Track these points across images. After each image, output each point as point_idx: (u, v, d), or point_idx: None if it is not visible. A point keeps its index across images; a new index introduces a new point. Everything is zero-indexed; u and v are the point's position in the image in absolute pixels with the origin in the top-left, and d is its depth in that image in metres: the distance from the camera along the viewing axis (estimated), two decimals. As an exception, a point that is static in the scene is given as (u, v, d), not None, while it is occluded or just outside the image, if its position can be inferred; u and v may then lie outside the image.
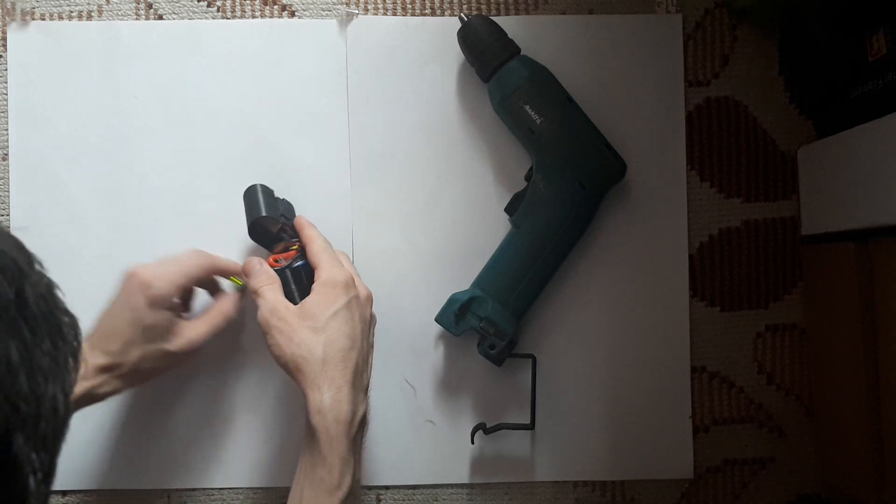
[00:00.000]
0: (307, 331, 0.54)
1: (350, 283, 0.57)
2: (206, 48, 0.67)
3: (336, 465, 0.52)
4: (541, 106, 0.62)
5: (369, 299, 0.59)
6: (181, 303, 0.62)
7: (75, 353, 0.36)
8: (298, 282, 0.59)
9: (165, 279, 0.58)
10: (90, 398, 0.57)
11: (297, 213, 0.65)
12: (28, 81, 0.66)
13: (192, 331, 0.59)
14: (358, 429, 0.54)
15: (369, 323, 0.58)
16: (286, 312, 0.55)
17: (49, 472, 0.33)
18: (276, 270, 0.59)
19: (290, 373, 0.54)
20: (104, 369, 0.56)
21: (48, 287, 0.35)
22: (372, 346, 0.59)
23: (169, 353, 0.58)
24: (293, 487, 0.53)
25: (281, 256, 0.60)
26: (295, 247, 0.61)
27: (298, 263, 0.59)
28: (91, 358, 0.56)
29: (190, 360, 0.61)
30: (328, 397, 0.52)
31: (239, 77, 0.67)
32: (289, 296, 0.58)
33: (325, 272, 0.57)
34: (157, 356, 0.57)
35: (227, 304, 0.62)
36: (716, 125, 0.68)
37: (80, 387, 0.55)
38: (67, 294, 0.37)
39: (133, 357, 0.57)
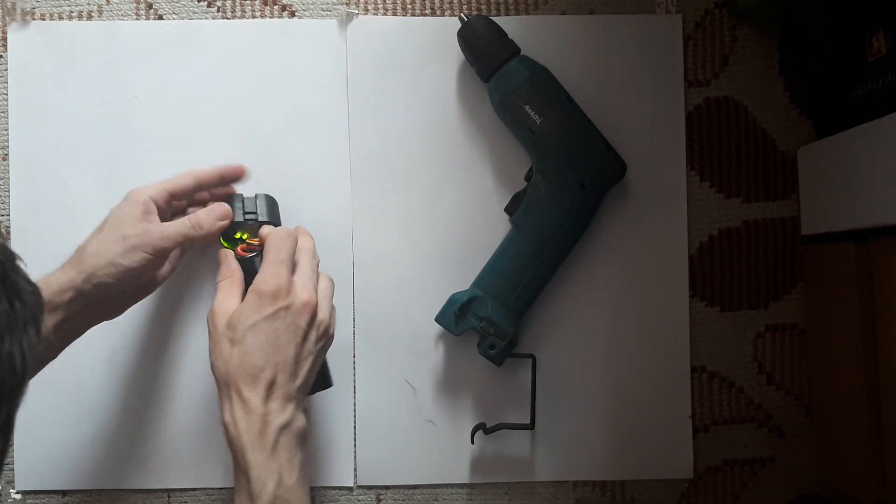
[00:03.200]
0: (226, 342, 0.54)
1: (280, 293, 0.54)
2: (206, 48, 0.67)
3: (253, 474, 0.51)
4: (541, 106, 0.62)
5: (307, 306, 0.55)
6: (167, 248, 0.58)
7: (36, 319, 0.36)
8: None
9: (153, 186, 0.59)
10: (70, 327, 0.56)
11: (295, 212, 0.65)
12: (28, 81, 0.66)
13: (158, 230, 0.57)
14: (277, 436, 0.52)
15: (305, 331, 0.54)
16: (217, 319, 0.55)
17: (6, 426, 0.34)
18: (242, 260, 0.59)
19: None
20: (69, 287, 0.54)
21: (9, 257, 0.36)
22: (313, 354, 0.55)
23: (131, 253, 0.55)
24: None
25: (249, 244, 0.60)
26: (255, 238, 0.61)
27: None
28: (58, 276, 0.55)
29: (160, 277, 0.60)
30: (237, 408, 0.52)
31: (239, 77, 0.67)
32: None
33: (258, 278, 0.55)
34: (119, 255, 0.55)
35: (202, 214, 0.60)
36: (716, 125, 0.68)
37: (53, 317, 0.54)
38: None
39: (97, 264, 0.55)
